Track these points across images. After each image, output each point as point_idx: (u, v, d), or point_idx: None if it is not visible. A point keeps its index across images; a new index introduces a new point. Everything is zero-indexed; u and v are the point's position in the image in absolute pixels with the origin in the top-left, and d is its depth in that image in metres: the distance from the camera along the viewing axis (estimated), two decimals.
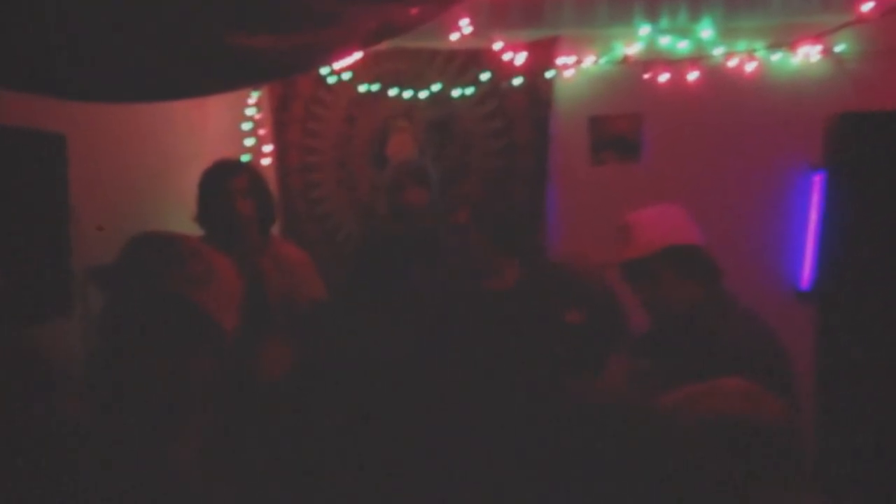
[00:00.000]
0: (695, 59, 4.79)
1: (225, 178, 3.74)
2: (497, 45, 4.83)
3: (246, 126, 5.18)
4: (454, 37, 4.74)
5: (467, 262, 3.44)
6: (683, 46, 4.82)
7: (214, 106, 5.02)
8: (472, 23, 4.67)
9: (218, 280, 2.03)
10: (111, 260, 2.11)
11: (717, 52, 4.78)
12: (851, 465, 4.40)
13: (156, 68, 2.26)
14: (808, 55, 4.70)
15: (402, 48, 4.92)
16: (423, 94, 5.01)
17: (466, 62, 4.99)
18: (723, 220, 4.38)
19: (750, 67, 4.76)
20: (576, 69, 4.93)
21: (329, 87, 5.13)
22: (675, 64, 4.80)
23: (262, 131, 5.20)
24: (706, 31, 4.76)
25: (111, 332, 2.02)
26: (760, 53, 4.74)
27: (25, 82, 2.36)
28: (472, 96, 5.01)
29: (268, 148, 5.18)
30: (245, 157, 5.00)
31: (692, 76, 4.79)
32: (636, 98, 4.91)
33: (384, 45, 4.36)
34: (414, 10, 2.41)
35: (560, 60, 4.91)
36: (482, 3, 4.66)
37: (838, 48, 4.66)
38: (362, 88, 5.07)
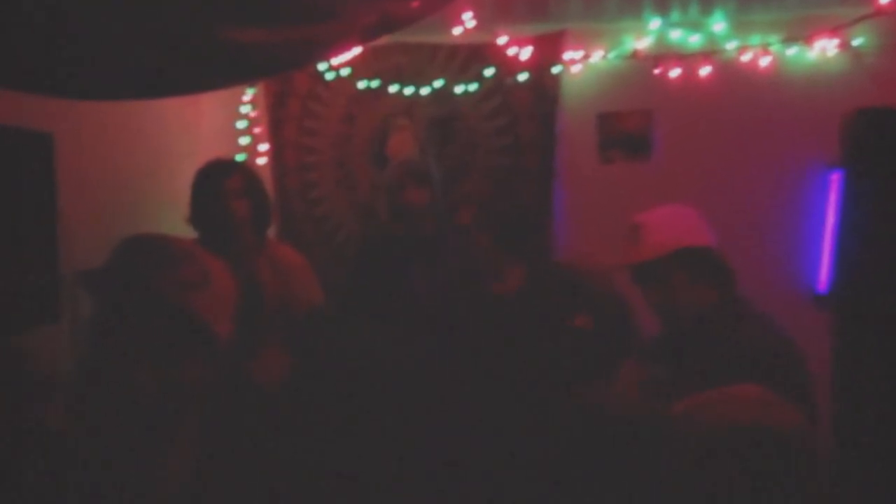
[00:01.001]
0: (707, 54, 4.79)
1: (219, 178, 3.74)
2: (501, 40, 4.84)
3: (241, 124, 5.18)
4: (457, 31, 4.75)
5: (470, 265, 3.44)
6: (695, 40, 4.82)
7: (208, 103, 5.02)
8: (475, 16, 4.67)
9: (212, 284, 2.03)
10: (101, 263, 2.11)
11: (730, 46, 4.78)
12: (870, 473, 4.39)
13: (147, 64, 2.27)
14: (824, 49, 4.70)
15: (402, 43, 4.92)
16: (424, 91, 5.01)
17: (470, 57, 4.99)
18: (736, 220, 4.38)
19: (764, 62, 4.76)
20: (583, 64, 4.93)
21: (327, 83, 5.13)
22: (687, 59, 4.80)
23: (257, 130, 5.20)
24: (719, 24, 4.76)
25: (101, 338, 2.02)
26: (775, 47, 4.74)
27: (12, 79, 2.36)
28: (475, 93, 5.01)
29: (263, 147, 5.18)
30: (240, 157, 5.00)
31: (704, 71, 4.79)
32: (646, 94, 4.91)
33: (384, 40, 4.36)
34: (415, 4, 2.42)
35: (567, 55, 4.91)
36: None
37: (856, 42, 4.66)
38: (361, 85, 5.07)
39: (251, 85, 5.09)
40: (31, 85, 2.48)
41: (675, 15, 4.78)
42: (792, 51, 4.75)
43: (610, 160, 5.00)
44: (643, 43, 4.85)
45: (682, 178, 4.74)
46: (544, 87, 4.96)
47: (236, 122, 5.17)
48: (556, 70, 4.91)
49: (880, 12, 4.43)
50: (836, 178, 4.77)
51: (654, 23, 4.80)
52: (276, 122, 5.18)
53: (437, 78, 4.99)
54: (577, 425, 2.54)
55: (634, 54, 4.86)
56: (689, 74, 4.80)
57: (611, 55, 4.89)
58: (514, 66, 4.89)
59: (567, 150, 4.99)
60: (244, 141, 5.16)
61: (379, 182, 4.74)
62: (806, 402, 2.58)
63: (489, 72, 4.94)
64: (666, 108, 4.91)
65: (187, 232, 3.69)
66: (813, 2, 4.63)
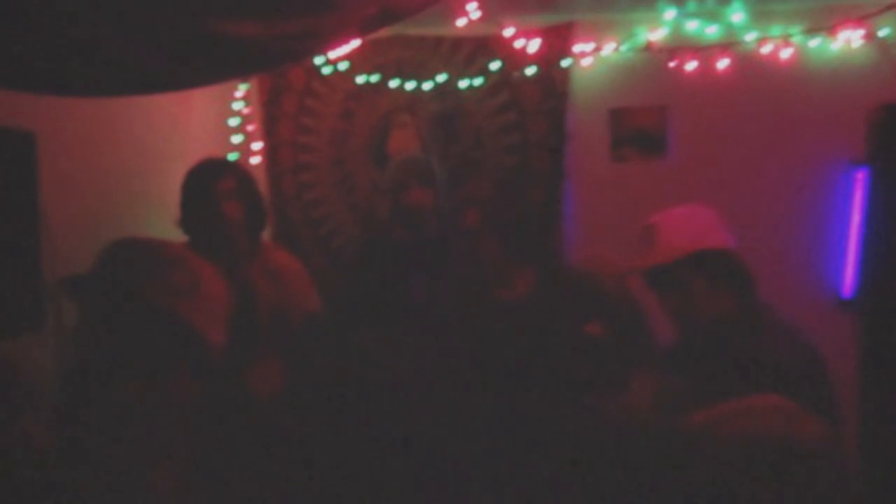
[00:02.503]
0: (725, 46, 4.78)
1: (211, 178, 3.74)
2: (508, 32, 4.83)
3: (233, 122, 5.18)
4: (461, 22, 4.73)
5: (477, 270, 3.44)
6: (712, 32, 4.81)
7: (199, 100, 5.03)
8: (480, 7, 4.66)
9: (203, 290, 2.03)
10: (86, 269, 2.11)
11: (750, 37, 4.77)
12: None
13: (134, 59, 2.27)
14: (849, 40, 4.69)
15: (403, 35, 4.93)
16: (427, 86, 5.01)
17: (475, 50, 4.99)
18: (756, 221, 4.38)
19: (785, 54, 4.75)
20: (594, 57, 4.93)
21: (324, 78, 5.13)
22: (704, 51, 4.79)
23: (250, 127, 5.21)
24: (737, 14, 4.76)
25: (87, 348, 2.02)
26: (797, 39, 4.74)
27: None
28: (480, 88, 5.01)
29: (257, 146, 5.19)
30: (232, 156, 5.01)
31: (722, 64, 4.78)
32: (660, 89, 4.91)
33: (384, 32, 4.36)
34: None
35: (577, 48, 4.91)
36: None
37: (882, 33, 4.65)
38: (361, 80, 5.07)
39: (244, 80, 5.09)
40: (12, 81, 2.48)
41: (692, 5, 4.78)
42: (814, 42, 4.74)
43: (623, 158, 5.00)
44: (657, 34, 4.84)
45: (698, 176, 4.73)
46: (553, 82, 4.96)
47: (228, 120, 5.17)
48: (565, 64, 4.91)
49: None
50: (861, 176, 4.76)
51: (669, 13, 4.79)
52: (271, 120, 5.19)
53: (440, 72, 5.00)
54: (589, 437, 2.54)
55: (648, 47, 4.85)
56: (706, 68, 4.79)
57: (623, 48, 4.89)
58: (521, 59, 4.88)
59: (577, 148, 4.99)
60: (237, 139, 5.16)
61: (379, 182, 4.74)
62: (830, 413, 2.58)
63: (495, 65, 4.94)
64: (681, 104, 4.91)
65: (177, 236, 3.69)
66: None
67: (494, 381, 3.05)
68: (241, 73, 4.26)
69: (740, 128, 4.87)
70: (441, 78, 4.99)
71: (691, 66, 4.79)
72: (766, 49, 4.76)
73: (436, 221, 3.99)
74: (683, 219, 3.01)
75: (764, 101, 4.83)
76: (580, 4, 4.78)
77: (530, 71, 4.91)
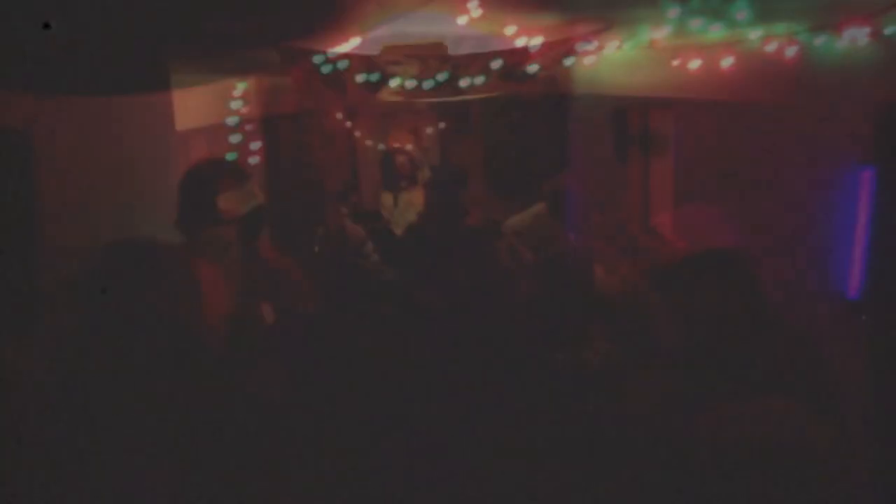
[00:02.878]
0: (729, 44, 4.78)
1: (209, 178, 3.74)
2: (510, 30, 4.83)
3: (231, 121, 5.18)
4: (462, 20, 4.73)
5: (478, 270, 3.44)
6: (716, 29, 4.81)
7: (196, 99, 5.02)
8: (481, 5, 4.66)
9: (202, 292, 2.03)
10: (84, 271, 2.11)
11: (754, 35, 4.76)
12: None
13: (131, 57, 2.27)
14: (855, 38, 4.68)
15: (404, 34, 4.93)
16: (427, 85, 5.01)
17: (476, 49, 4.99)
18: (761, 221, 4.37)
19: (790, 52, 4.75)
20: (597, 56, 4.93)
21: (324, 77, 5.13)
22: (708, 49, 4.79)
23: (249, 127, 5.20)
24: (741, 12, 4.75)
25: (85, 350, 2.03)
26: (802, 36, 4.73)
27: None
28: (482, 86, 5.00)
29: (256, 145, 5.18)
30: (231, 155, 5.01)
31: (726, 62, 4.78)
32: (664, 87, 4.91)
33: (384, 32, 4.37)
34: None
35: (580, 46, 4.91)
36: None
37: (889, 30, 4.65)
38: (360, 78, 5.07)
39: (242, 79, 5.09)
40: (11, 80, 2.49)
41: (695, 2, 4.77)
42: (820, 40, 4.73)
43: (626, 158, 5.00)
44: (661, 32, 4.84)
45: (702, 176, 4.73)
46: (556, 81, 4.96)
47: (226, 119, 5.17)
48: (568, 62, 4.90)
49: None
50: (867, 176, 4.76)
51: (673, 11, 4.78)
52: (270, 119, 5.19)
53: (441, 70, 4.99)
54: (594, 440, 2.54)
55: (651, 45, 4.85)
56: (710, 66, 4.79)
57: (626, 46, 4.89)
58: (523, 58, 4.88)
59: (580, 148, 4.99)
60: (235, 139, 5.16)
61: (380, 181, 4.75)
62: (836, 415, 2.58)
63: (497, 64, 4.94)
64: (685, 102, 4.91)
65: (175, 236, 3.69)
66: None
67: (496, 380, 3.06)
68: (240, 73, 4.26)
69: (744, 126, 4.87)
70: (442, 76, 4.98)
71: (695, 64, 4.79)
72: (770, 47, 4.76)
73: (439, 221, 3.99)
74: (687, 218, 3.01)
75: (768, 99, 4.82)
76: (583, 2, 4.78)
77: (532, 70, 4.91)
